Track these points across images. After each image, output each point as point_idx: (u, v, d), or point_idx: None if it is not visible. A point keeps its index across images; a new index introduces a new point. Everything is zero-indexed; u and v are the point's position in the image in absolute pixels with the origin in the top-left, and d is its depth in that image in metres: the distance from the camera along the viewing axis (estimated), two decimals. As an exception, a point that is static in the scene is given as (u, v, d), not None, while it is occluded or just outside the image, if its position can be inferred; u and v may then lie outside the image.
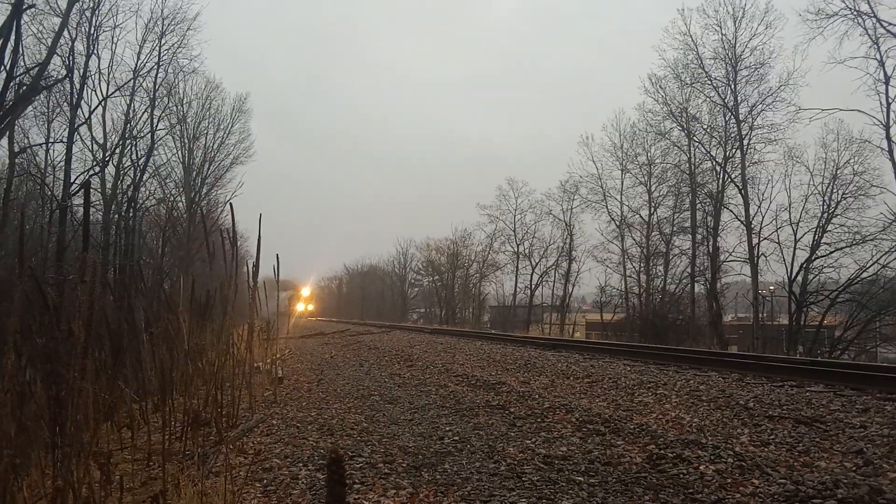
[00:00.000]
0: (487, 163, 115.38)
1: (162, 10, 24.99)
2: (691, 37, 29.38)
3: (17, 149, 19.12)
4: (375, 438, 5.20)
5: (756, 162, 28.14)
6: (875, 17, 22.14)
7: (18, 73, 15.40)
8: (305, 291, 59.80)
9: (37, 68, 16.79)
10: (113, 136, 23.82)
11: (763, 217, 27.92)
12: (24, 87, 15.88)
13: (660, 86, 31.08)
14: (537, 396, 7.00)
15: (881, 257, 24.27)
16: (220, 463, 4.34)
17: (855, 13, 22.51)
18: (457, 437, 5.17)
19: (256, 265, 6.97)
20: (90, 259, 2.58)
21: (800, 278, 26.50)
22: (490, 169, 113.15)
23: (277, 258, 8.27)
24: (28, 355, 3.67)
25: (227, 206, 29.76)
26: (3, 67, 13.81)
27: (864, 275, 24.94)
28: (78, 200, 20.36)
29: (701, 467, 4.02)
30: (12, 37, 14.01)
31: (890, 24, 21.77)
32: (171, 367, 5.75)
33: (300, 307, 55.28)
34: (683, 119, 30.65)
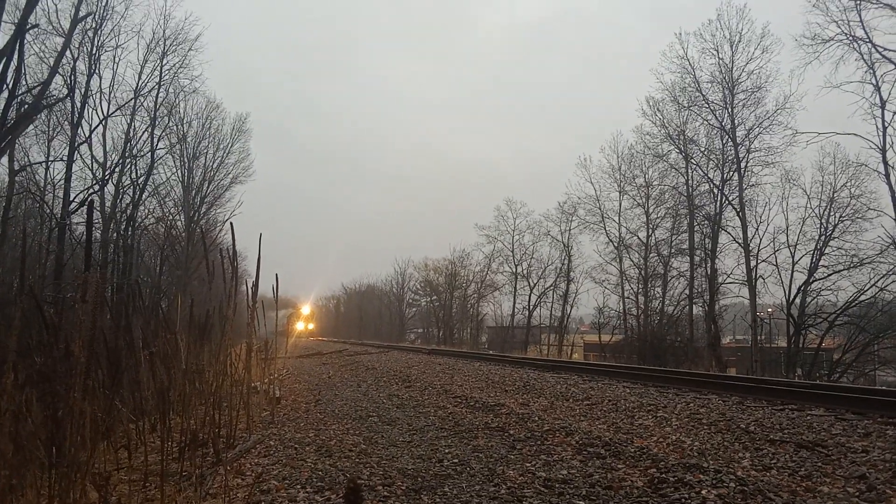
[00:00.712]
0: (484, 182, 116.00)
1: (164, 31, 25.19)
2: (689, 60, 29.64)
3: (17, 167, 19.16)
4: (374, 460, 5.16)
5: (753, 185, 28.27)
6: (870, 42, 22.38)
7: (20, 92, 15.48)
8: (305, 310, 59.28)
9: (39, 87, 16.88)
10: (113, 155, 23.86)
11: (761, 239, 28.01)
12: (26, 107, 15.96)
13: (657, 108, 31.32)
14: (537, 419, 6.96)
15: (879, 280, 24.32)
16: (218, 484, 4.30)
17: (850, 38, 22.76)
18: (456, 460, 5.13)
19: (256, 284, 6.96)
20: (91, 278, 2.58)
21: (798, 301, 26.50)
22: (486, 188, 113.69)
23: (277, 277, 8.25)
24: (26, 374, 3.64)
25: (227, 225, 29.84)
26: (5, 86, 13.88)
27: (862, 298, 24.97)
28: (77, 219, 20.37)
29: (703, 492, 3.99)
30: (15, 56, 14.11)
31: (885, 49, 22.02)
32: (168, 386, 5.72)
33: (300, 326, 54.81)
34: (681, 142, 30.80)
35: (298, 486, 4.32)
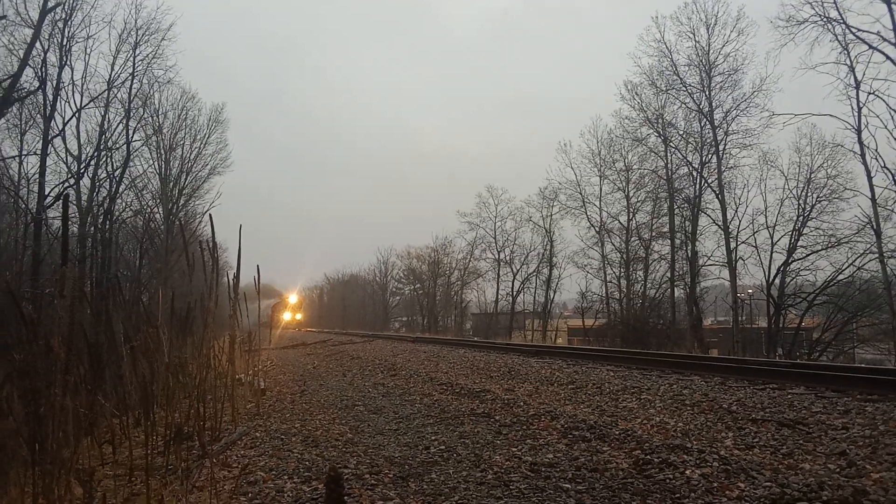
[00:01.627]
0: (461, 171, 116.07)
1: (136, 21, 24.72)
2: (665, 44, 29.69)
3: (-12, 161, 18.86)
4: (361, 449, 5.16)
5: (732, 167, 28.47)
6: (844, 23, 22.48)
7: (-12, 86, 15.18)
8: (293, 298, 58.06)
9: (9, 80, 16.55)
10: (88, 148, 23.49)
11: (740, 221, 28.23)
12: (-3, 100, 15.67)
13: (636, 92, 31.35)
14: (522, 404, 6.99)
15: (856, 259, 24.64)
16: (204, 477, 4.28)
17: (825, 20, 22.84)
18: (443, 447, 5.14)
19: (237, 276, 6.91)
20: (69, 273, 2.54)
21: (777, 281, 26.81)
22: (464, 176, 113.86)
23: (258, 269, 8.21)
24: (6, 371, 3.59)
25: (206, 217, 29.58)
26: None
27: (840, 277, 25.33)
28: (52, 213, 20.06)
29: (687, 472, 4.03)
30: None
31: (859, 30, 22.10)
32: (151, 380, 5.67)
33: (286, 316, 53.72)
34: (660, 125, 30.92)
35: (286, 477, 4.31)
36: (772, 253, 27.31)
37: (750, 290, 32.28)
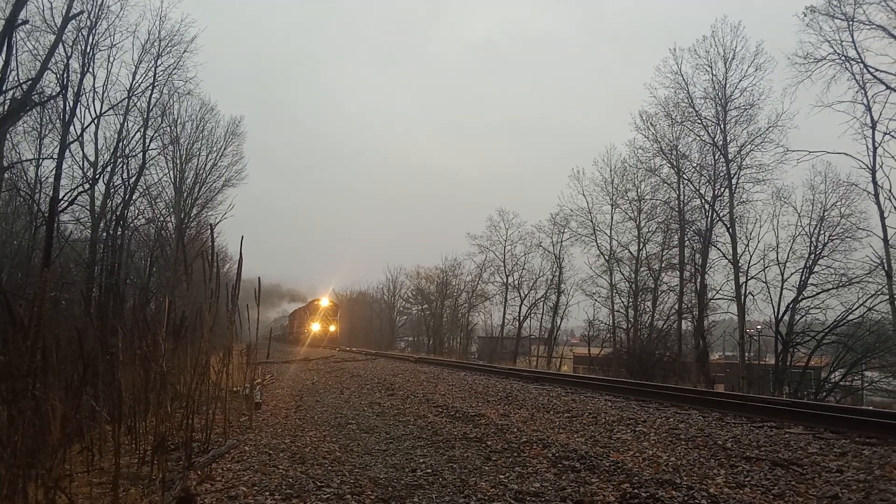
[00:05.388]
0: (461, 193, 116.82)
1: (159, 32, 25.01)
2: (682, 76, 29.73)
3: (5, 164, 19.04)
4: (347, 468, 5.12)
5: (744, 201, 28.34)
6: (862, 62, 22.49)
7: (7, 88, 15.35)
8: (324, 302, 49.68)
9: (28, 84, 16.79)
10: (104, 154, 23.71)
11: (751, 256, 28.02)
12: (15, 102, 15.85)
13: (650, 123, 31.37)
14: (515, 430, 6.93)
15: (867, 300, 24.37)
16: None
17: (842, 59, 22.87)
18: (430, 470, 5.09)
19: (237, 287, 6.93)
20: (51, 275, 2.54)
21: (786, 318, 26.54)
22: (464, 198, 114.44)
23: (259, 281, 8.21)
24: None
25: (216, 227, 29.71)
26: (-6, 82, 13.78)
27: (851, 317, 25.01)
28: (66, 217, 20.21)
29: (673, 508, 3.96)
30: (3, 52, 14.02)
31: (876, 70, 22.10)
32: (144, 388, 5.66)
33: (315, 327, 48.45)
34: (673, 156, 30.91)
35: (267, 493, 4.28)
36: (782, 290, 27.08)
37: (759, 326, 31.93)
